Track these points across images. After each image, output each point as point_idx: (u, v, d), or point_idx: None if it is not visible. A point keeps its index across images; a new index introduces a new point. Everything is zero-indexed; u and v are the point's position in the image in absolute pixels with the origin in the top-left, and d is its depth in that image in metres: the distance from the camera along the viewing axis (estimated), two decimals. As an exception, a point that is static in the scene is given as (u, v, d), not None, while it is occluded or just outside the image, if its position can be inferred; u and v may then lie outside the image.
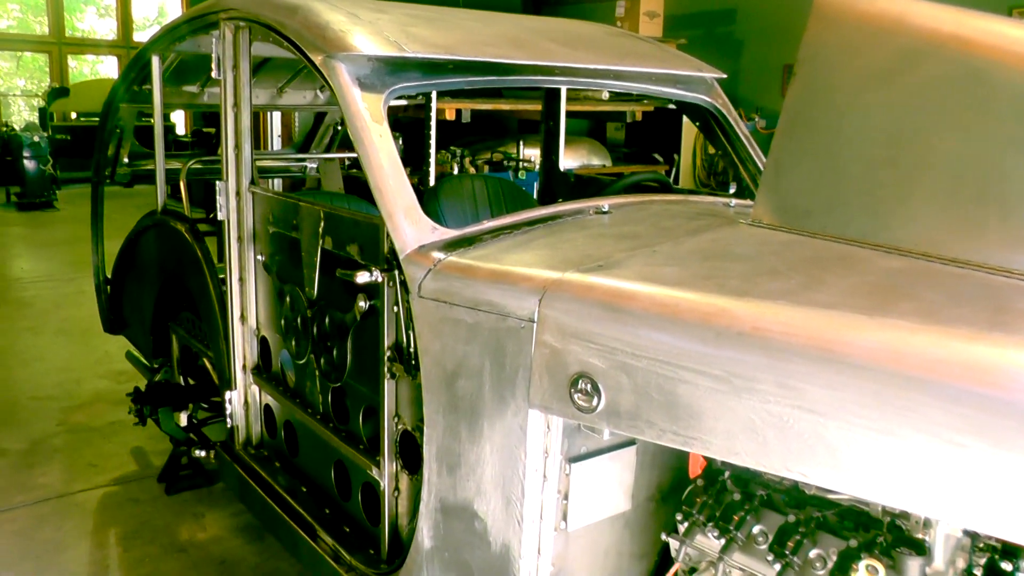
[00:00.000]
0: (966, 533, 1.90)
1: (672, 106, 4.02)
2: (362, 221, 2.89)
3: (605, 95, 9.23)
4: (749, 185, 3.84)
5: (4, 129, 17.47)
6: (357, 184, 6.14)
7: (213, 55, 3.57)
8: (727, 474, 2.28)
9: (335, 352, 3.15)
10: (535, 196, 5.22)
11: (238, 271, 3.70)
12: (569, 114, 5.44)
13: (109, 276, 5.42)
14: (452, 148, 9.05)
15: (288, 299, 3.41)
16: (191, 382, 4.87)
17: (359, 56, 2.82)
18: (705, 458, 2.36)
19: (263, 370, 3.76)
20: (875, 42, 2.35)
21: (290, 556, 3.73)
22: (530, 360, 2.21)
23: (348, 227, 2.97)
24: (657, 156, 11.05)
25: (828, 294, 1.97)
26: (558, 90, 5.04)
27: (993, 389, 1.56)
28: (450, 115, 8.17)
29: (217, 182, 3.66)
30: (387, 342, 2.78)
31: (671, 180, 8.60)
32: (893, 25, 2.33)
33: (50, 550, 4.26)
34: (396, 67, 2.90)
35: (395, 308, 2.73)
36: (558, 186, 4.99)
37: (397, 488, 2.91)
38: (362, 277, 2.72)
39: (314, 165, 6.38)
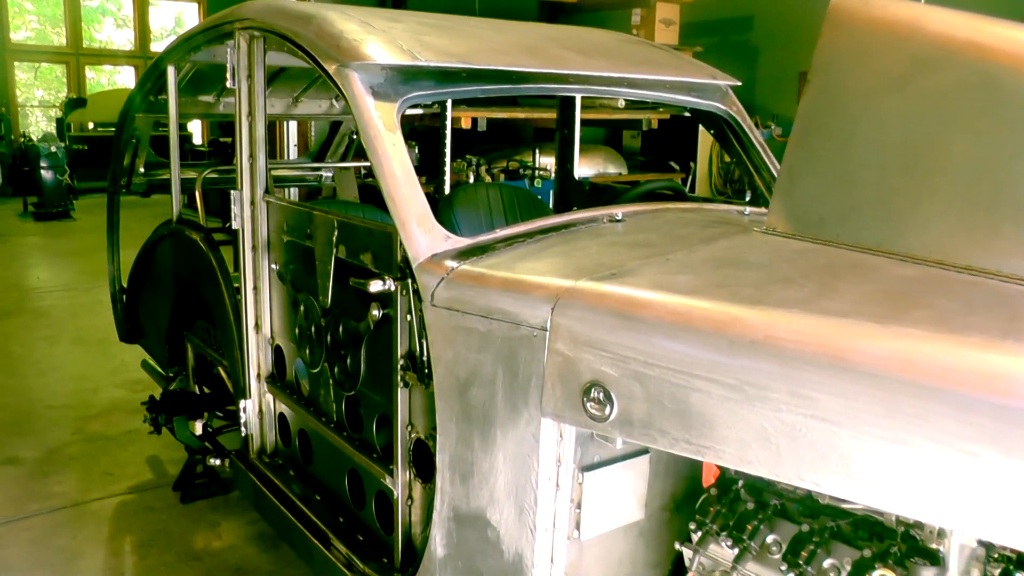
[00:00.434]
0: (980, 543, 1.89)
1: (687, 114, 4.01)
2: (375, 230, 2.89)
3: (621, 103, 9.18)
4: (763, 193, 3.83)
5: (22, 140, 17.62)
6: (373, 193, 6.15)
7: (228, 65, 3.59)
8: (740, 483, 2.27)
9: (349, 361, 3.16)
10: (550, 205, 5.22)
11: (253, 280, 3.71)
12: (585, 122, 5.44)
13: (125, 285, 5.44)
14: (468, 157, 9.06)
15: (302, 308, 3.41)
16: (206, 391, 4.88)
17: (372, 65, 2.83)
18: (718, 467, 2.35)
19: (277, 379, 3.76)
20: (889, 48, 2.35)
21: (304, 565, 3.73)
22: (543, 368, 2.20)
23: (362, 236, 2.97)
24: (673, 164, 11.04)
25: (841, 302, 1.97)
26: (573, 98, 5.04)
27: (1006, 398, 1.55)
28: (466, 124, 8.17)
29: (232, 191, 3.67)
30: (400, 351, 2.79)
31: (687, 188, 8.59)
32: (907, 31, 2.33)
33: (65, 558, 4.27)
34: (409, 76, 2.90)
35: (408, 317, 2.73)
36: (573, 194, 4.99)
37: (410, 497, 2.91)
38: (375, 286, 2.73)
39: (329, 174, 6.40)
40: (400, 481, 2.90)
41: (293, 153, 9.61)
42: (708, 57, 4.82)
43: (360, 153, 6.14)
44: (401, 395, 2.83)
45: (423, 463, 2.84)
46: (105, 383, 6.80)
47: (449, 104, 7.13)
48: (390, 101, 2.81)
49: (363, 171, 6.74)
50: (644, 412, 2.01)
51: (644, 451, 2.44)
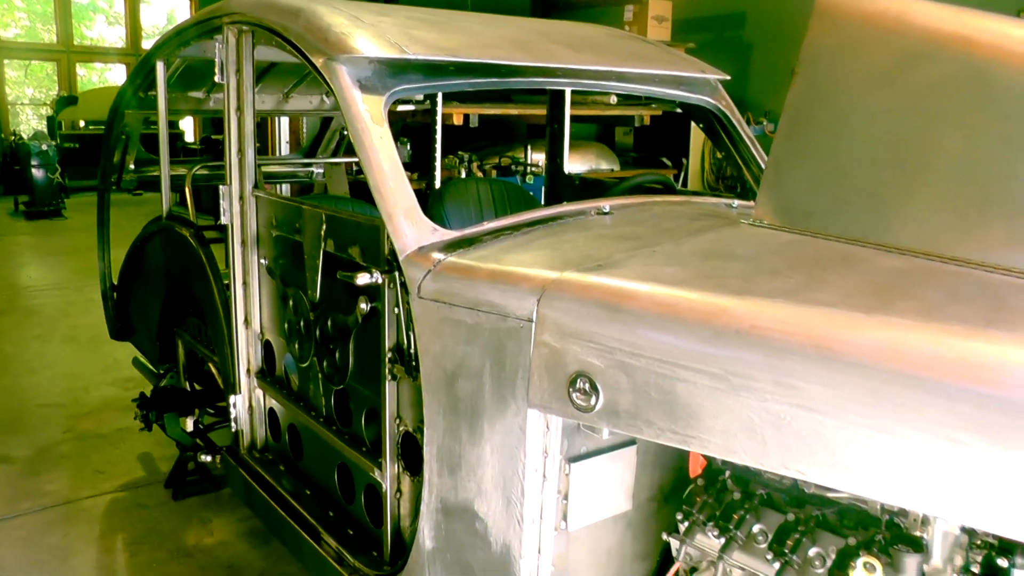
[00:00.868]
0: (964, 530, 1.89)
1: (679, 110, 4.01)
2: (363, 223, 2.89)
3: (613, 99, 9.23)
4: (752, 186, 3.83)
5: (12, 138, 17.53)
6: (364, 189, 6.15)
7: (216, 59, 3.58)
8: (727, 473, 2.28)
9: (337, 355, 3.16)
10: (541, 201, 5.21)
11: (242, 275, 3.70)
12: (577, 118, 5.45)
13: (115, 283, 5.44)
14: (460, 153, 9.06)
15: (291, 302, 3.41)
16: (197, 387, 4.87)
17: (360, 58, 2.82)
18: (705, 457, 2.36)
19: (267, 374, 3.76)
20: (877, 42, 2.35)
21: (296, 560, 3.73)
22: (529, 360, 2.20)
23: (350, 229, 2.97)
24: (665, 160, 11.04)
25: (828, 293, 1.97)
26: (563, 93, 5.04)
27: (990, 386, 1.56)
28: (458, 120, 8.16)
29: (221, 186, 3.66)
30: (388, 344, 2.79)
31: (680, 185, 8.59)
32: (895, 25, 2.33)
33: (57, 556, 4.27)
34: (397, 69, 2.90)
35: (396, 310, 2.73)
36: (563, 189, 4.99)
37: (399, 490, 2.91)
38: (363, 279, 2.73)
39: (320, 170, 6.39)
40: (388, 474, 2.90)
41: (285, 150, 9.62)
42: (701, 54, 4.82)
43: (351, 149, 6.14)
44: (389, 388, 2.83)
45: (411, 456, 2.84)
46: (96, 381, 6.80)
47: (440, 99, 7.13)
48: (378, 94, 2.81)
49: (354, 167, 6.74)
50: (630, 403, 2.01)
51: (631, 442, 2.44)
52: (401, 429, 2.84)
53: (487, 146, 9.61)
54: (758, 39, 11.35)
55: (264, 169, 6.03)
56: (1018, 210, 2.06)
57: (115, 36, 24.40)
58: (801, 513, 2.12)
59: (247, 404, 3.85)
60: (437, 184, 7.14)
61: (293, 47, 3.06)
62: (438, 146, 7.10)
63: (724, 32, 11.71)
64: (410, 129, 9.13)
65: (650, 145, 11.49)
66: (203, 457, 4.32)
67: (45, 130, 17.65)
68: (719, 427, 1.87)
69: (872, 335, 1.73)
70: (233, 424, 3.89)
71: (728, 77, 3.93)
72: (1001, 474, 1.53)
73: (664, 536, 2.31)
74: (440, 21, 3.35)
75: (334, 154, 6.35)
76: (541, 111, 8.80)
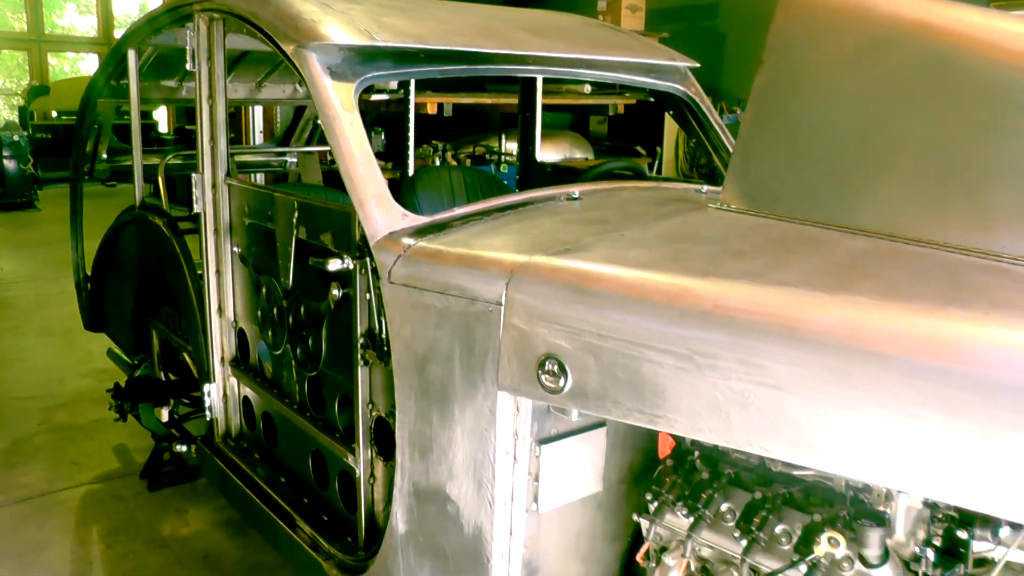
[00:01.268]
0: (926, 504, 1.93)
1: (652, 99, 4.04)
2: (334, 209, 2.90)
3: (587, 88, 9.25)
4: (722, 172, 3.86)
5: (-17, 129, 17.39)
6: (337, 179, 6.15)
7: (188, 47, 3.57)
8: (696, 454, 2.31)
9: (310, 341, 3.17)
10: (515, 189, 5.23)
11: (215, 263, 3.70)
12: (551, 107, 5.47)
13: (89, 273, 5.42)
14: (434, 142, 9.05)
15: (264, 290, 3.42)
16: (172, 377, 4.87)
17: (330, 45, 2.83)
18: (674, 438, 2.39)
19: (241, 362, 3.77)
20: (842, 29, 2.38)
21: (272, 549, 3.74)
22: (498, 343, 2.22)
23: (321, 216, 2.98)
24: (639, 149, 11.06)
25: (792, 274, 1.99)
26: (534, 81, 5.05)
27: (949, 362, 1.59)
28: (431, 109, 8.15)
29: (193, 175, 3.66)
30: (360, 329, 2.80)
31: (654, 172, 8.60)
32: (859, 12, 2.36)
33: (33, 548, 4.26)
34: (367, 56, 2.91)
35: (367, 295, 2.75)
36: (536, 177, 5.00)
37: (372, 475, 2.92)
38: (334, 264, 2.74)
39: (294, 160, 6.39)
40: (362, 460, 2.92)
41: (259, 139, 9.59)
42: (675, 43, 4.83)
43: (325, 138, 6.13)
44: (361, 373, 2.84)
45: (384, 441, 2.85)
46: (71, 373, 6.77)
47: (412, 88, 7.13)
48: (348, 81, 2.81)
49: (328, 157, 6.73)
50: (598, 384, 2.03)
51: (601, 424, 2.47)
52: (374, 414, 2.86)
53: (461, 135, 9.61)
54: (731, 29, 11.38)
55: (238, 159, 6.02)
56: (978, 192, 2.10)
57: (87, 25, 24.22)
58: (768, 491, 2.15)
59: (221, 393, 3.85)
60: (411, 173, 7.14)
61: (264, 34, 3.06)
62: (411, 135, 7.08)
63: (698, 22, 11.73)
64: (384, 119, 9.11)
65: (624, 134, 11.50)
66: (178, 447, 4.32)
67: (17, 120, 17.52)
68: (685, 406, 1.89)
69: (835, 314, 1.76)
70: (208, 413, 3.90)
71: (697, 64, 3.96)
72: (959, 447, 1.56)
73: (634, 516, 2.34)
74: (410, 8, 3.36)
75: (307, 143, 6.34)
76: (514, 100, 8.81)
